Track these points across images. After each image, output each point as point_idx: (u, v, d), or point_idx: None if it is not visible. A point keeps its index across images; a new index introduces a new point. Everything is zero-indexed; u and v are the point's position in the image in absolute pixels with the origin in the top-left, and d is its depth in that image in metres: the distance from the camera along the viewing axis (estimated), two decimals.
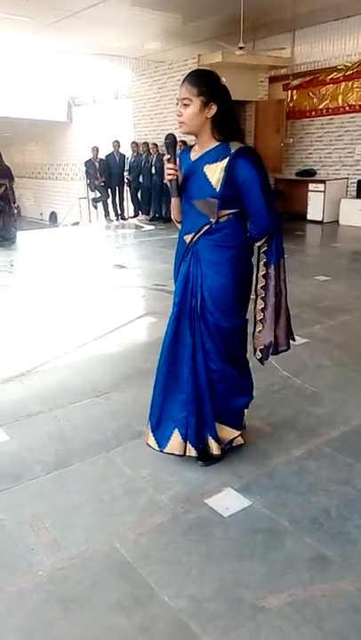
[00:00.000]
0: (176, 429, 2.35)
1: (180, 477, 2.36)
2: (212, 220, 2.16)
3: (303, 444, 2.61)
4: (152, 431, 2.42)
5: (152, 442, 2.43)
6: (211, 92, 2.08)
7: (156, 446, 2.41)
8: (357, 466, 2.43)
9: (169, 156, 2.18)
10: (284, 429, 2.75)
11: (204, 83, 2.09)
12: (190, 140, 2.38)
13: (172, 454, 2.38)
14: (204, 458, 2.42)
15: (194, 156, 2.22)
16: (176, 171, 2.18)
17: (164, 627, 1.64)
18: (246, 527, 2.05)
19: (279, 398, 3.08)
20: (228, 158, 2.08)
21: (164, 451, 2.39)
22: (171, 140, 2.20)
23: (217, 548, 1.96)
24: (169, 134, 2.23)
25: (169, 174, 2.18)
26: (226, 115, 2.12)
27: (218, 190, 2.10)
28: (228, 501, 2.20)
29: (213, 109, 2.09)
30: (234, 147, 2.10)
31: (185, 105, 2.09)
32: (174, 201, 2.29)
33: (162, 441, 2.39)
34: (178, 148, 2.30)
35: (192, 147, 2.29)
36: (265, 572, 1.84)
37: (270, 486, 2.30)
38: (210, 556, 1.92)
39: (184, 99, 2.09)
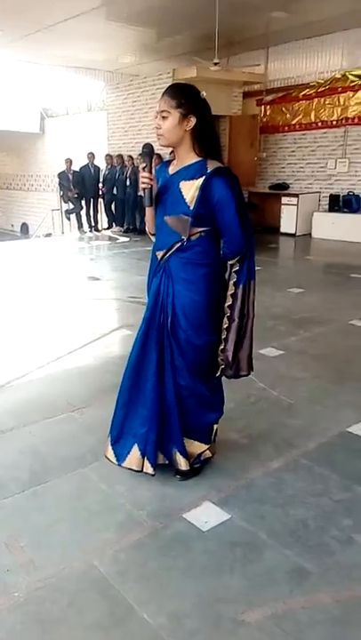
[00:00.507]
0: (136, 444, 2.30)
1: (157, 492, 2.34)
2: (184, 238, 2.15)
3: (280, 456, 2.62)
4: (111, 444, 2.38)
5: (111, 455, 2.38)
6: (190, 104, 2.08)
7: (114, 460, 2.36)
8: (334, 477, 2.46)
9: (145, 165, 2.18)
10: (261, 441, 2.76)
11: (183, 95, 2.09)
12: (165, 153, 2.40)
13: (129, 469, 2.33)
14: (181, 472, 2.40)
15: (172, 169, 2.22)
16: (151, 180, 2.17)
17: None
18: (225, 541, 2.05)
19: (256, 410, 3.10)
20: (204, 177, 2.08)
21: (122, 465, 2.34)
22: (148, 150, 2.20)
23: (196, 562, 1.95)
24: (147, 143, 2.22)
25: (143, 182, 2.17)
26: (205, 128, 2.12)
27: (191, 208, 2.10)
28: (207, 515, 2.19)
29: (192, 122, 2.09)
30: (211, 166, 2.10)
31: (164, 117, 2.10)
32: (148, 211, 2.27)
33: (120, 455, 2.34)
34: (154, 160, 2.31)
35: (170, 162, 2.29)
36: (244, 586, 1.84)
37: (248, 499, 2.30)
38: (189, 572, 1.90)
39: (163, 111, 2.09)
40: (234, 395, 3.15)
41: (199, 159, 2.14)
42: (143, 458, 2.29)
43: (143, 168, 2.17)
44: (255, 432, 2.85)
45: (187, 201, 2.11)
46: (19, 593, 1.81)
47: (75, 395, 3.31)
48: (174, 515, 2.20)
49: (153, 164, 2.23)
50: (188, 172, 2.13)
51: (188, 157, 2.16)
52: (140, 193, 2.22)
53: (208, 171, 2.09)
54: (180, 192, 2.12)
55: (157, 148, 2.36)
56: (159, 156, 7.10)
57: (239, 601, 1.78)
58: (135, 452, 2.30)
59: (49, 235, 10.79)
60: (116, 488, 2.37)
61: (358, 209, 9.47)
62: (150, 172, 2.18)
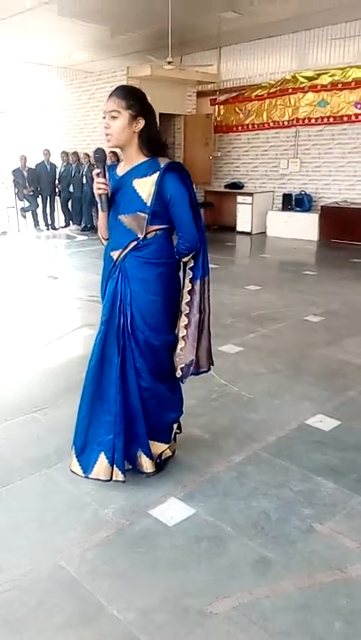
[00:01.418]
0: (102, 453, 2.26)
1: (123, 490, 2.36)
2: (140, 236, 2.17)
3: (242, 450, 2.69)
4: (76, 456, 2.32)
5: (76, 468, 2.32)
6: (138, 106, 2.11)
7: (80, 472, 2.31)
8: (293, 468, 2.54)
9: (99, 171, 2.18)
10: (224, 436, 2.82)
11: (133, 97, 2.11)
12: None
13: (97, 480, 2.29)
14: (124, 480, 2.34)
15: (120, 171, 2.23)
16: (106, 185, 2.18)
17: None
18: (191, 535, 2.09)
19: (217, 406, 3.16)
20: (158, 173, 2.11)
21: (90, 476, 2.29)
22: (100, 155, 2.20)
23: (163, 557, 1.98)
24: (98, 149, 2.22)
25: (99, 188, 2.17)
26: (152, 129, 2.15)
27: (149, 204, 2.12)
28: (173, 511, 2.23)
29: (141, 124, 2.12)
30: (163, 161, 2.13)
31: (113, 117, 2.10)
32: (102, 216, 2.27)
33: (87, 466, 2.30)
34: (109, 157, 2.32)
35: (116, 165, 2.30)
36: (211, 579, 1.88)
37: (212, 493, 2.35)
38: (156, 567, 1.94)
39: (112, 111, 2.10)
40: (196, 392, 3.21)
41: (148, 158, 2.16)
42: (112, 466, 2.25)
43: (97, 174, 2.17)
44: (217, 427, 2.91)
45: (143, 198, 2.13)
46: None
47: (37, 395, 3.28)
48: (140, 511, 2.23)
49: (107, 166, 2.24)
50: (140, 171, 2.15)
51: (137, 158, 2.18)
52: (96, 197, 2.22)
53: (161, 166, 2.12)
54: (135, 190, 2.14)
55: (110, 148, 2.35)
56: (114, 153, 7.08)
57: (206, 593, 1.82)
58: (102, 460, 2.26)
59: (4, 233, 10.53)
60: (82, 488, 2.38)
61: (310, 208, 9.72)
62: (104, 176, 2.19)
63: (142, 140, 2.15)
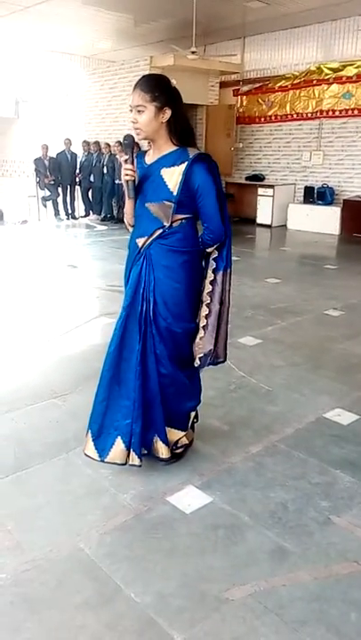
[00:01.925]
0: (119, 437, 2.28)
1: (141, 477, 2.38)
2: (166, 225, 2.18)
3: (260, 442, 2.70)
4: (93, 440, 2.33)
5: (92, 452, 2.33)
6: (164, 96, 2.10)
7: (96, 456, 2.32)
8: (311, 461, 2.54)
9: (127, 157, 2.18)
10: (242, 427, 2.83)
11: (157, 88, 2.10)
12: (143, 144, 2.40)
13: (113, 464, 2.32)
14: (163, 459, 2.42)
15: (149, 159, 2.24)
16: (134, 172, 2.19)
17: (131, 623, 1.67)
18: (208, 523, 2.11)
19: (236, 398, 3.17)
20: (186, 163, 2.12)
21: (105, 460, 2.31)
22: (129, 141, 2.20)
23: (180, 544, 2.00)
24: (127, 135, 2.21)
25: (126, 175, 2.18)
26: (180, 118, 2.16)
27: (175, 194, 2.13)
28: (190, 498, 2.25)
29: (168, 114, 2.12)
30: (192, 152, 2.14)
31: (139, 111, 2.11)
32: (129, 203, 2.28)
33: (103, 450, 2.31)
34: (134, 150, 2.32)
35: (145, 152, 2.30)
36: (227, 566, 1.90)
37: (230, 483, 2.37)
38: (174, 552, 1.96)
39: (138, 105, 2.10)
40: (215, 383, 3.23)
41: (177, 147, 2.17)
42: (128, 450, 2.28)
43: (125, 160, 2.18)
44: (235, 418, 2.92)
45: (170, 187, 2.14)
46: (6, 575, 1.84)
47: (56, 382, 3.32)
48: (158, 498, 2.25)
49: (134, 155, 2.24)
50: (168, 160, 2.16)
51: (166, 147, 2.18)
52: (122, 183, 2.22)
53: (190, 156, 2.13)
54: (162, 179, 2.15)
55: (139, 140, 2.36)
56: (138, 145, 7.08)
57: (223, 580, 1.84)
58: (119, 445, 2.29)
59: (25, 222, 10.61)
60: (101, 472, 2.41)
61: (332, 201, 9.62)
62: (132, 163, 2.19)
63: (171, 130, 2.16)
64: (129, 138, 2.21)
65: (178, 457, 2.48)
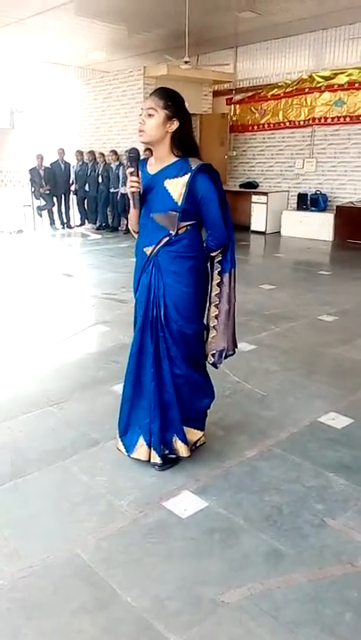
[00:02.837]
0: (141, 436, 2.44)
1: (137, 483, 2.41)
2: (172, 233, 2.26)
3: (255, 446, 2.72)
4: (120, 436, 2.52)
5: (121, 446, 2.52)
6: (176, 108, 2.19)
7: (124, 451, 2.50)
8: (305, 465, 2.57)
9: (132, 170, 2.26)
10: (236, 432, 2.86)
11: (171, 99, 2.20)
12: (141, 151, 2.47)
13: (138, 459, 2.46)
14: (161, 463, 2.47)
15: (151, 169, 2.31)
16: (139, 184, 2.27)
17: (128, 627, 1.68)
18: (204, 527, 2.13)
19: (231, 403, 3.19)
20: (189, 174, 2.19)
21: (132, 456, 2.47)
22: (134, 155, 2.27)
23: (176, 548, 2.02)
24: (132, 148, 2.30)
25: (132, 187, 2.26)
26: (186, 133, 2.24)
27: (180, 204, 2.21)
28: (186, 503, 2.27)
29: (175, 125, 2.19)
30: (194, 163, 2.21)
31: (149, 115, 2.19)
32: (134, 212, 2.37)
33: (129, 446, 2.48)
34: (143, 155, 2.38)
35: (146, 160, 2.37)
36: (223, 569, 1.92)
37: (225, 487, 2.39)
38: (170, 557, 1.98)
39: (149, 108, 2.18)
40: None
41: (179, 158, 2.24)
42: (150, 449, 2.42)
43: (131, 173, 2.25)
44: (230, 423, 2.94)
45: (174, 198, 2.22)
46: (3, 581, 1.85)
47: (53, 390, 3.34)
48: (154, 504, 2.27)
49: (138, 167, 2.31)
50: (171, 171, 2.23)
51: (168, 158, 2.26)
52: (129, 194, 2.30)
53: (193, 167, 2.20)
54: (167, 190, 2.23)
55: (140, 142, 2.41)
56: (151, 150, 7.13)
57: (219, 583, 1.86)
58: (141, 443, 2.44)
59: (21, 231, 10.65)
60: (97, 479, 2.42)
61: (325, 208, 9.70)
62: (137, 175, 2.26)
63: (174, 141, 2.23)
64: (134, 151, 2.28)
65: (173, 462, 2.50)
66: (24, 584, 1.84)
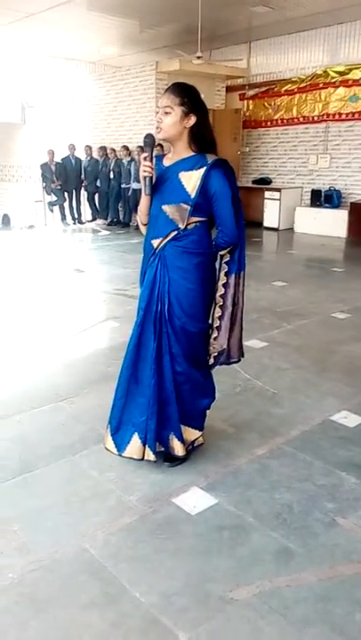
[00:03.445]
0: (136, 433, 2.37)
1: (146, 479, 2.40)
2: (181, 227, 2.23)
3: (265, 444, 2.70)
4: (111, 435, 2.43)
5: (110, 445, 2.43)
6: (192, 103, 2.17)
7: (114, 450, 2.42)
8: (316, 463, 2.54)
9: (146, 154, 2.24)
10: (247, 430, 2.84)
11: (187, 94, 2.18)
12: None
13: (130, 458, 2.39)
14: (170, 459, 2.47)
15: (167, 162, 2.29)
16: (152, 169, 2.24)
17: (136, 622, 1.68)
18: (213, 524, 2.12)
19: (241, 400, 3.17)
20: (205, 168, 2.17)
21: (123, 455, 2.39)
22: (149, 140, 2.25)
23: (185, 544, 2.01)
24: (148, 134, 2.27)
25: (145, 171, 2.23)
26: (203, 127, 2.21)
27: (193, 197, 2.18)
28: (195, 500, 2.26)
29: (192, 120, 2.18)
30: (210, 158, 2.19)
31: (166, 113, 2.17)
32: (145, 199, 2.33)
33: (121, 445, 2.40)
34: (156, 149, 2.36)
35: (164, 155, 2.35)
36: (232, 566, 1.91)
37: (235, 484, 2.37)
38: (179, 553, 1.97)
39: (166, 106, 2.17)
40: (220, 385, 3.19)
41: (196, 153, 2.22)
42: (144, 446, 2.36)
43: (145, 158, 2.23)
44: (241, 421, 2.93)
45: (188, 190, 2.19)
46: (13, 574, 1.86)
47: (63, 385, 3.34)
48: (163, 500, 2.26)
49: (154, 154, 2.29)
50: (187, 164, 2.21)
51: (185, 152, 2.24)
52: (137, 187, 2.28)
53: (208, 162, 2.17)
54: (180, 182, 2.20)
55: (158, 139, 2.40)
56: (161, 145, 7.11)
57: (227, 580, 1.85)
58: (135, 440, 2.37)
59: (32, 226, 10.69)
60: (107, 475, 2.42)
61: (339, 204, 9.61)
62: (151, 160, 2.24)
63: (192, 137, 2.21)
64: (149, 137, 2.26)
65: (183, 459, 2.49)
66: (33, 578, 1.85)
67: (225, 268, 2.36)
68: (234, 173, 2.27)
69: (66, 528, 2.09)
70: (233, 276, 2.35)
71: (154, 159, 2.30)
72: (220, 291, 2.37)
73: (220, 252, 2.34)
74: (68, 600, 1.76)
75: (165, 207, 2.25)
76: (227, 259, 2.35)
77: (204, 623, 1.68)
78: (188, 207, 2.20)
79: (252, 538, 2.05)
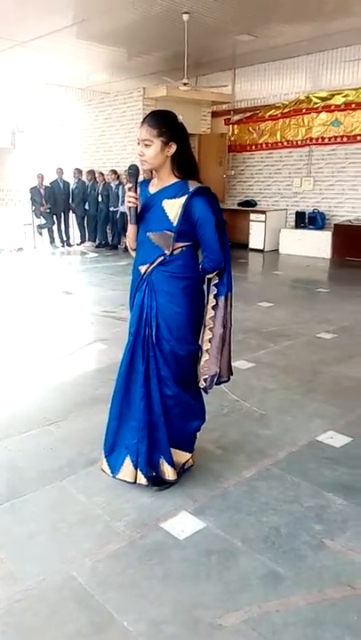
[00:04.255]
0: (128, 456, 2.39)
1: (135, 503, 2.39)
2: (167, 253, 2.27)
3: (253, 466, 2.71)
4: (105, 457, 2.47)
5: (105, 467, 2.47)
6: (170, 132, 2.22)
7: (109, 472, 2.45)
8: (304, 484, 2.55)
9: (130, 185, 2.29)
10: (235, 451, 2.84)
11: (164, 124, 2.22)
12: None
13: (123, 481, 2.42)
14: (158, 483, 2.46)
15: (153, 189, 2.34)
16: (136, 199, 2.30)
17: None
18: (202, 549, 2.11)
19: (229, 421, 3.18)
20: (186, 196, 2.22)
21: (117, 477, 2.43)
22: (133, 171, 2.31)
23: (174, 570, 2.00)
24: (132, 165, 2.32)
25: (129, 202, 2.29)
26: (184, 152, 2.26)
27: (175, 225, 2.23)
28: (184, 524, 2.25)
29: (173, 148, 2.23)
30: (192, 185, 2.24)
31: (146, 145, 2.22)
32: (131, 228, 2.39)
33: (115, 467, 2.44)
34: (144, 176, 2.42)
35: (149, 181, 2.40)
36: (221, 592, 1.90)
37: (223, 507, 2.37)
38: (167, 579, 1.95)
39: (145, 140, 2.21)
40: (208, 406, 3.18)
41: (179, 180, 2.27)
42: (136, 469, 2.37)
43: (129, 188, 2.29)
44: (229, 442, 2.93)
45: (170, 218, 2.24)
46: None
47: (51, 408, 3.33)
48: (152, 524, 2.25)
49: (139, 180, 2.34)
50: (170, 192, 2.26)
51: (169, 179, 2.29)
52: (125, 211, 2.34)
53: (190, 190, 2.22)
54: (163, 210, 2.25)
55: (144, 170, 2.46)
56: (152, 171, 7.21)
57: (216, 606, 1.83)
58: (128, 463, 2.39)
59: (21, 249, 10.72)
60: (95, 499, 2.41)
61: (323, 226, 9.77)
62: (135, 191, 2.30)
63: (174, 163, 2.26)
64: (133, 167, 2.31)
65: (171, 483, 2.48)
66: (20, 607, 1.82)
67: (214, 290, 2.39)
68: (217, 199, 2.31)
69: (53, 555, 2.07)
70: (222, 298, 2.38)
71: (139, 185, 2.35)
72: (210, 313, 2.40)
73: (208, 276, 2.38)
74: (54, 630, 1.73)
75: (150, 234, 2.30)
76: (215, 281, 2.39)
77: None
78: (172, 234, 2.24)
79: (241, 562, 2.04)
